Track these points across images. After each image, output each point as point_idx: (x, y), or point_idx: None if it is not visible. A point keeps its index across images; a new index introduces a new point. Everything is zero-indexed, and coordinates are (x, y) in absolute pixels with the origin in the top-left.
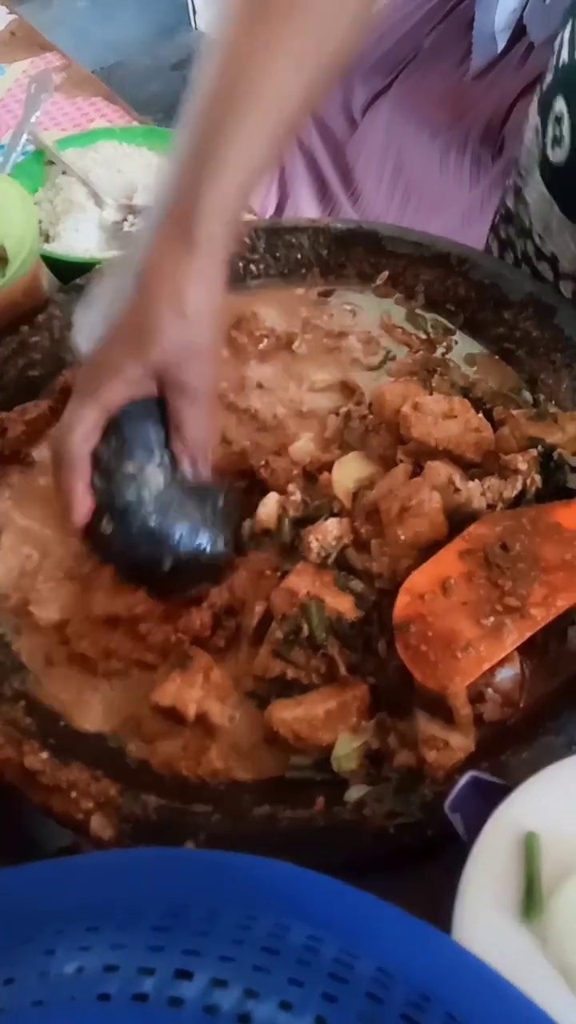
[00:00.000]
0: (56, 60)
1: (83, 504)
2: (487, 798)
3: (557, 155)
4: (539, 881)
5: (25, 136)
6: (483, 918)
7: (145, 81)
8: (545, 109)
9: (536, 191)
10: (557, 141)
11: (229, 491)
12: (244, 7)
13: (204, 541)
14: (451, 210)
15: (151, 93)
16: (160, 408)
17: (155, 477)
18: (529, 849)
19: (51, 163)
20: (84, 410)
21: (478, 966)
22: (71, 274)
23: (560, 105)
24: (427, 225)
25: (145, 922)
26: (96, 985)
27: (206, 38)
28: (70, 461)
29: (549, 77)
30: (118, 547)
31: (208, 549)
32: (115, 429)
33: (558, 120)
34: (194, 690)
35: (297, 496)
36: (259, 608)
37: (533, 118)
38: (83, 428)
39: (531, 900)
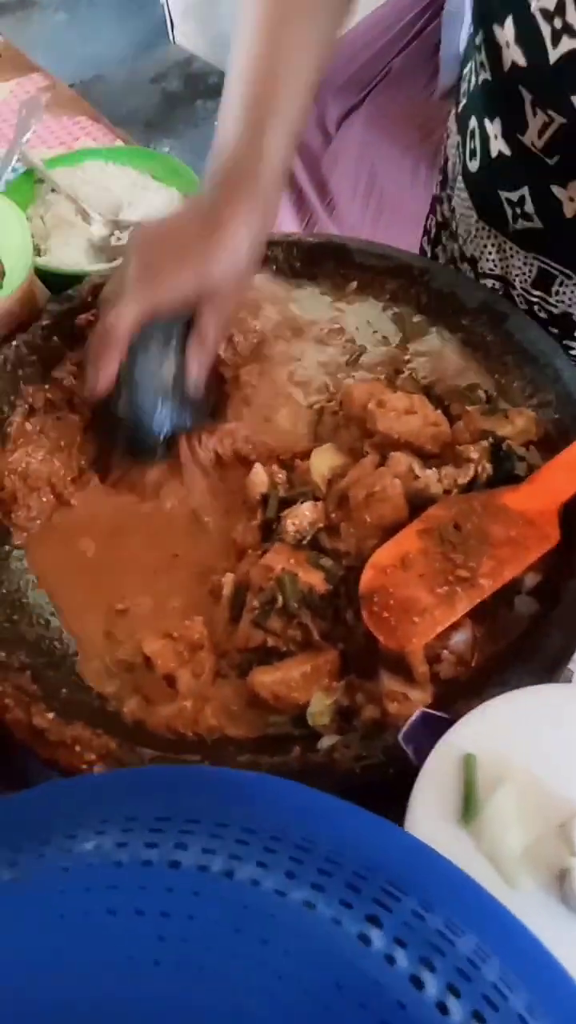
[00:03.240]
0: (41, 80)
1: (107, 377)
2: (434, 731)
3: (473, 165)
4: (475, 792)
5: (16, 157)
6: (429, 823)
7: (124, 95)
8: (463, 126)
9: (459, 198)
10: (473, 153)
11: (211, 403)
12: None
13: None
14: (420, 222)
15: (130, 107)
16: (185, 319)
17: (169, 371)
18: (467, 767)
19: (40, 181)
20: (136, 303)
21: (418, 844)
22: (61, 286)
23: (473, 123)
24: (398, 235)
25: (148, 813)
26: (111, 855)
27: (235, 26)
28: (109, 339)
29: (464, 100)
30: (126, 418)
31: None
32: (149, 326)
33: (472, 135)
34: (173, 654)
35: (283, 476)
36: (230, 578)
37: (454, 135)
38: (130, 316)
39: (468, 807)
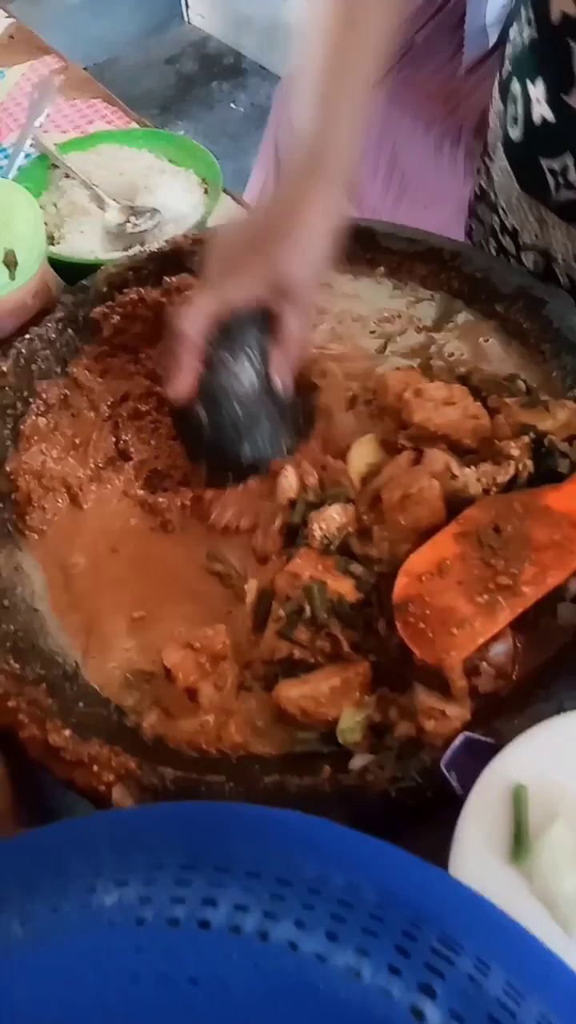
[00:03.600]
0: (54, 63)
1: (188, 378)
2: (479, 757)
3: (515, 133)
4: (526, 827)
5: (29, 141)
6: (476, 860)
7: (138, 76)
8: (504, 92)
9: (499, 168)
10: (514, 120)
11: (302, 408)
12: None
13: (274, 447)
14: (446, 202)
15: (144, 88)
16: (263, 319)
17: (249, 376)
18: (517, 799)
19: (54, 167)
20: (210, 300)
21: (470, 894)
22: (76, 275)
23: (516, 87)
24: (422, 216)
25: (173, 861)
26: (133, 911)
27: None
28: (186, 339)
29: (507, 64)
30: (208, 432)
31: (271, 455)
32: (227, 328)
33: (514, 101)
34: (195, 665)
35: (314, 478)
36: (253, 584)
37: (496, 102)
38: (205, 314)
39: (519, 844)
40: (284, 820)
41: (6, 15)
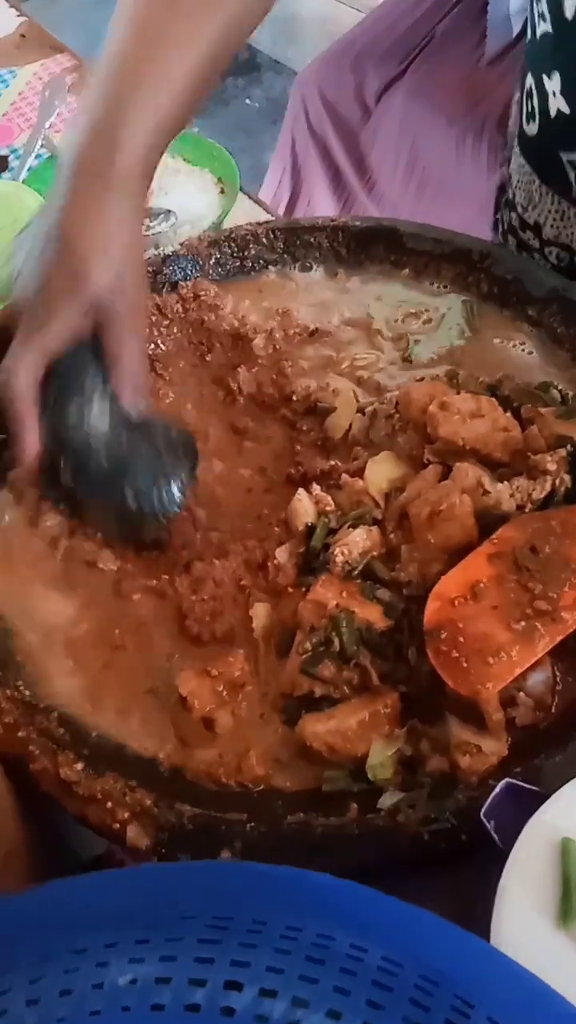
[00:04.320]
0: (67, 61)
1: (32, 443)
2: (521, 804)
3: (531, 128)
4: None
5: (40, 142)
6: (521, 923)
7: None
8: (520, 87)
9: (517, 164)
10: (531, 116)
11: (176, 428)
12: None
13: (161, 471)
14: (468, 198)
15: None
16: (94, 351)
17: (102, 416)
18: (566, 854)
19: None
20: (27, 354)
21: (520, 973)
22: None
23: (530, 81)
24: (444, 214)
25: (193, 934)
26: (150, 995)
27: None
28: (16, 403)
29: (524, 59)
30: (81, 492)
31: (169, 481)
32: (56, 375)
33: (529, 95)
34: (212, 693)
35: (331, 503)
36: (261, 609)
37: (518, 93)
38: (27, 371)
39: (568, 905)
40: (315, 886)
41: (18, 13)
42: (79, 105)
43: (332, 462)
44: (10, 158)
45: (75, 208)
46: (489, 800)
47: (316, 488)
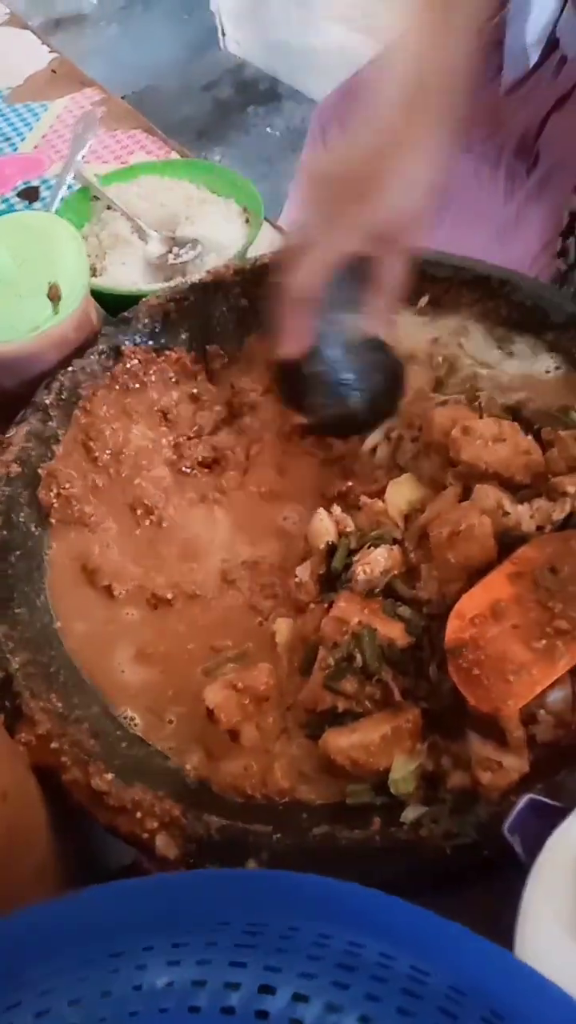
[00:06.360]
0: (95, 95)
1: (304, 338)
2: (544, 819)
3: None
4: None
5: (71, 174)
6: (546, 937)
7: (177, 103)
8: None
9: None
10: None
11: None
12: None
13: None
14: (486, 225)
15: (183, 115)
16: (351, 267)
17: (354, 329)
18: None
19: (96, 198)
20: (324, 252)
21: (549, 987)
22: (118, 307)
23: None
24: (462, 240)
25: (227, 939)
26: (187, 997)
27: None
28: (302, 297)
29: None
30: (319, 386)
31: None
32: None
33: None
34: (237, 706)
35: (350, 524)
36: (283, 624)
37: None
38: (322, 268)
39: None
40: (345, 894)
41: (50, 50)
42: (396, 35)
43: (349, 483)
44: (40, 188)
45: (402, 121)
46: (512, 815)
47: (336, 509)
